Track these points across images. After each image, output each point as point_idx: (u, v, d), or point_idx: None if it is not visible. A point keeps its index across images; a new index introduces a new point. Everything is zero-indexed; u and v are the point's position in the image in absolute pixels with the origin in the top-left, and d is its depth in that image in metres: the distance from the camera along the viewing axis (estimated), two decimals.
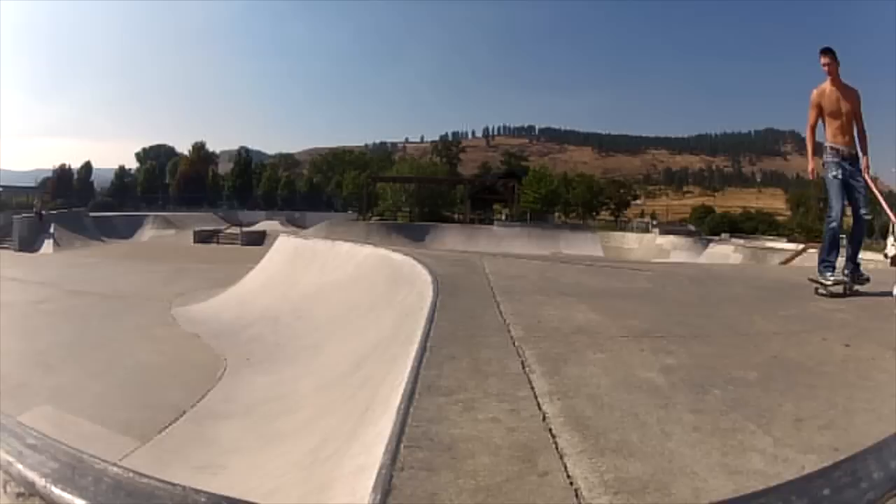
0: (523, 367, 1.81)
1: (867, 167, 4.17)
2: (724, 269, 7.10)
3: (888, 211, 3.76)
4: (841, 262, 3.99)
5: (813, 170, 4.30)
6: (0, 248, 21.14)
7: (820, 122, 4.18)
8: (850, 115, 4.10)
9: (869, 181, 4.10)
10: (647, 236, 27.60)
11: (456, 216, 39.41)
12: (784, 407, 1.53)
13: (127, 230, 30.74)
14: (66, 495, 0.43)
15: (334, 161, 79.76)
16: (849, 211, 4.05)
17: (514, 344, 2.09)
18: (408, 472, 1.11)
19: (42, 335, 5.85)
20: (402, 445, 1.22)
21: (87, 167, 68.34)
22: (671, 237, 27.16)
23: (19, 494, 0.46)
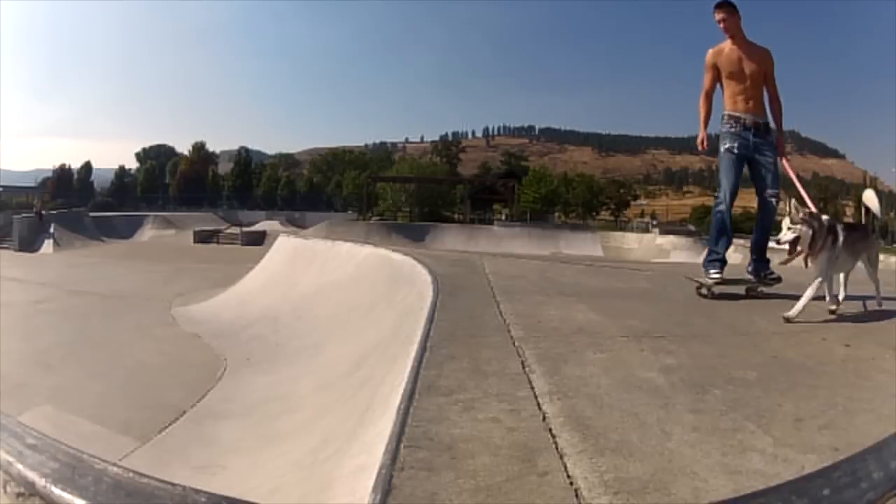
0: (523, 367, 1.81)
1: (783, 150, 3.56)
2: None
3: (802, 192, 3.23)
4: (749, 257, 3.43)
5: (702, 140, 3.60)
6: (0, 248, 21.15)
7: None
8: (757, 79, 3.47)
9: (786, 164, 3.51)
10: (647, 236, 27.59)
11: (456, 216, 39.43)
12: (784, 407, 1.53)
13: (127, 230, 30.74)
14: (66, 495, 0.43)
15: (334, 161, 79.87)
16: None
17: (514, 344, 2.09)
18: (408, 472, 1.10)
19: (42, 335, 5.85)
20: (402, 445, 1.22)
21: (87, 167, 68.43)
22: (671, 237, 27.14)
23: (19, 494, 0.46)
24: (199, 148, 72.97)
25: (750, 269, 3.51)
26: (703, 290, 3.37)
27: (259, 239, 24.29)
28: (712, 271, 3.43)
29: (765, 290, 3.41)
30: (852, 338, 2.32)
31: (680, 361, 1.92)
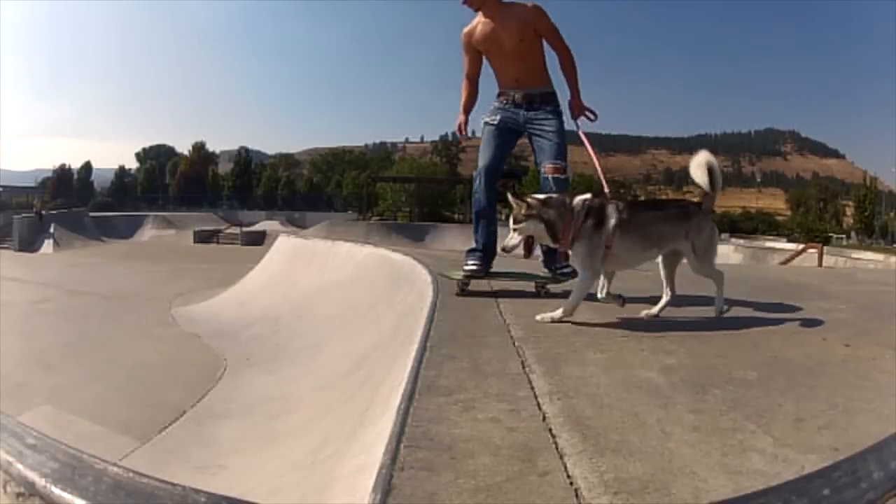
0: (523, 367, 1.81)
1: (582, 111, 3.05)
2: (723, 269, 7.09)
3: (597, 163, 2.81)
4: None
5: (460, 124, 3.24)
6: (0, 248, 21.17)
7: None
8: (521, 48, 2.99)
9: (583, 138, 2.99)
10: None
11: (456, 216, 39.43)
12: (784, 407, 1.53)
13: (127, 230, 30.79)
14: (66, 495, 0.43)
15: (334, 161, 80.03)
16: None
17: (514, 344, 2.09)
18: (408, 472, 1.11)
19: (42, 335, 5.85)
20: (402, 445, 1.22)
21: (87, 167, 68.64)
22: None
23: (19, 494, 0.46)
24: (199, 148, 73.12)
25: (541, 261, 3.06)
26: (459, 285, 2.96)
27: (259, 239, 24.34)
28: (469, 262, 3.01)
29: (551, 288, 2.95)
30: (852, 338, 2.32)
31: (680, 361, 1.92)
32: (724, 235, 34.16)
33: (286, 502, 1.68)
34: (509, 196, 2.42)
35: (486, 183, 3.06)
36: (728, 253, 23.69)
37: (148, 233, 31.43)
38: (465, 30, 3.13)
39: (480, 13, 3.05)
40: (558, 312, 2.39)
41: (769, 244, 25.10)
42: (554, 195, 2.43)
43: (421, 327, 2.34)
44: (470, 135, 3.36)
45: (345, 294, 5.16)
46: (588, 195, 2.40)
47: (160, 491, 0.43)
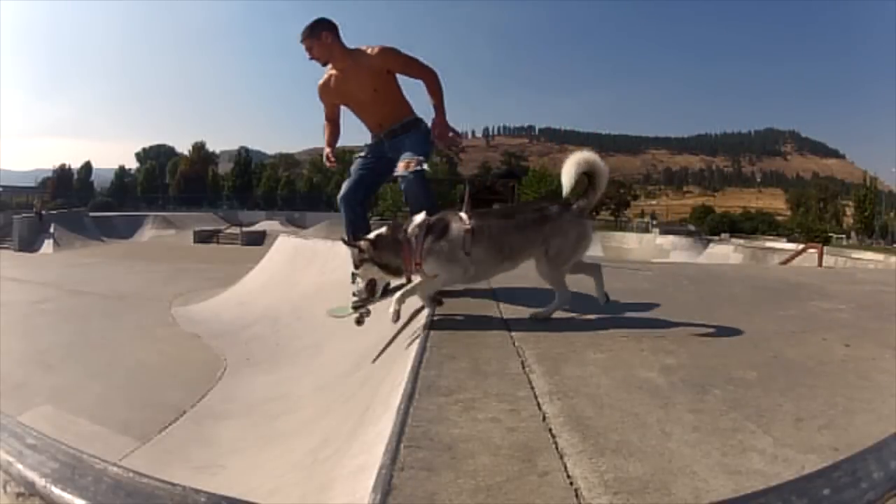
0: (523, 367, 1.81)
1: (444, 131, 3.05)
2: (724, 269, 7.09)
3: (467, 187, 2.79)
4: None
5: (327, 156, 3.44)
6: (0, 248, 21.18)
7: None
8: (375, 97, 3.03)
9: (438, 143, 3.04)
10: (647, 236, 27.62)
11: None
12: (784, 407, 1.53)
13: (127, 230, 30.79)
14: (66, 495, 0.43)
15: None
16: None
17: (514, 344, 2.09)
18: (408, 472, 1.11)
19: (42, 335, 5.85)
20: (402, 445, 1.22)
21: (87, 167, 68.70)
22: (671, 237, 27.23)
23: (19, 494, 0.46)
24: (199, 148, 73.11)
25: None
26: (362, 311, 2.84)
27: (259, 239, 24.35)
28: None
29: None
30: (852, 338, 2.32)
31: (680, 361, 1.92)
32: (724, 235, 34.18)
33: (286, 502, 1.68)
34: (342, 241, 2.42)
35: (345, 210, 3.17)
36: (728, 253, 23.72)
37: (148, 233, 31.44)
38: (320, 83, 3.17)
39: (330, 67, 3.08)
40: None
41: (769, 244, 25.12)
42: (383, 231, 2.37)
43: (421, 327, 2.34)
44: (347, 160, 3.57)
45: (345, 294, 5.14)
46: (423, 216, 2.32)
47: (160, 491, 0.43)
